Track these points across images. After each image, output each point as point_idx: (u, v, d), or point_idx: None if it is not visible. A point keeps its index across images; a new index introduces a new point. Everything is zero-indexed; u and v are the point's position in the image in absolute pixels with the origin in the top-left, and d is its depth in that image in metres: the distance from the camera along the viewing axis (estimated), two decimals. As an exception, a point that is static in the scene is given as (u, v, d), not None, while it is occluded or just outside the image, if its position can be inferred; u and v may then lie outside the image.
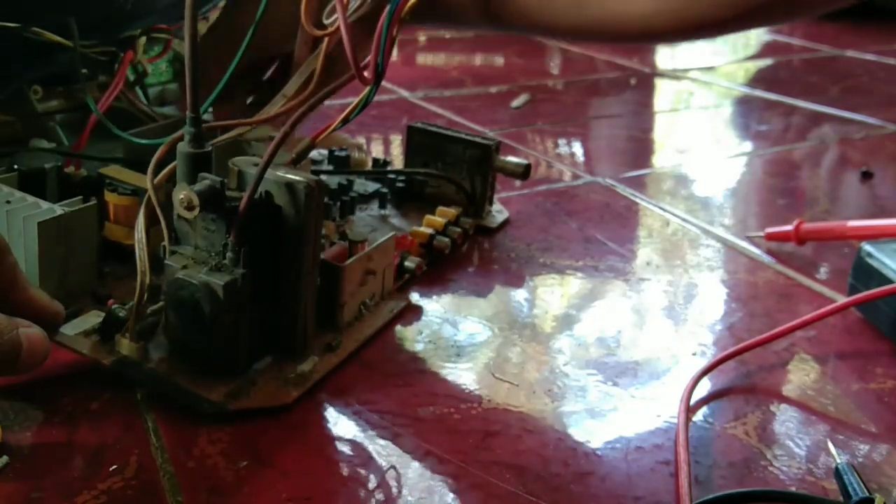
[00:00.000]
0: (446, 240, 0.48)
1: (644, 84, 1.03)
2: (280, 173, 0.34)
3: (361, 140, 0.59)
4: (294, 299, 0.36)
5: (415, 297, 0.45)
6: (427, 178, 0.53)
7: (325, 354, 0.38)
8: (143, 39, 0.50)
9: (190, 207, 0.32)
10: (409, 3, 0.36)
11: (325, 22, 0.40)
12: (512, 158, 0.53)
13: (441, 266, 0.48)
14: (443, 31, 1.18)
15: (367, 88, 0.35)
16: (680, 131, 0.84)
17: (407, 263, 0.45)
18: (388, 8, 0.35)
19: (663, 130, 0.85)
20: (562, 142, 0.75)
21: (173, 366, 0.35)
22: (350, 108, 0.36)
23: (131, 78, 0.52)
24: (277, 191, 0.34)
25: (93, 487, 0.30)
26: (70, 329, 0.36)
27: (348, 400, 0.36)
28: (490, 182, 0.53)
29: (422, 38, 1.18)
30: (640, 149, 0.77)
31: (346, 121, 0.36)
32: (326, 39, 0.39)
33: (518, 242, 0.52)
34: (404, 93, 0.88)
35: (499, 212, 0.55)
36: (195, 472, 0.31)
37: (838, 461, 0.32)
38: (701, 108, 0.93)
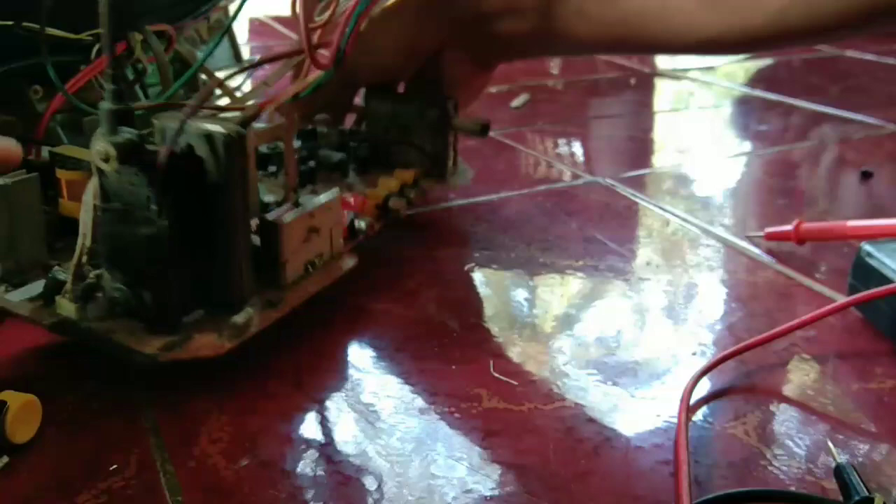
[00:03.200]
0: (402, 200, 0.48)
1: (644, 84, 1.03)
2: (201, 125, 0.34)
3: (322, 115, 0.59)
4: (226, 252, 0.36)
5: (414, 297, 0.45)
6: (388, 144, 0.53)
7: (264, 310, 0.38)
8: (139, 37, 0.50)
9: (106, 159, 0.33)
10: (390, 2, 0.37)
11: (316, 18, 0.41)
12: (469, 118, 0.54)
13: (440, 265, 0.48)
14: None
15: (323, 72, 0.36)
16: (680, 131, 0.84)
17: (358, 224, 0.45)
18: (360, 5, 0.36)
19: (663, 130, 0.85)
20: (562, 142, 0.75)
21: (111, 324, 0.35)
22: (303, 86, 0.37)
23: (130, 77, 0.52)
24: (198, 143, 0.34)
25: (93, 487, 0.30)
26: (15, 296, 0.37)
27: (348, 400, 0.36)
28: (451, 142, 0.54)
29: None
30: (640, 149, 0.77)
31: (295, 97, 0.37)
32: (319, 31, 0.40)
33: (518, 242, 0.52)
34: (404, 93, 0.88)
35: (464, 171, 0.56)
36: (195, 472, 0.31)
37: (838, 461, 0.32)
38: (701, 108, 0.93)
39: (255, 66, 0.39)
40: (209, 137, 0.34)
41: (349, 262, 0.43)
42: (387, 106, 0.54)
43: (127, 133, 0.33)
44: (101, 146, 0.33)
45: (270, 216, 0.39)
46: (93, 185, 0.35)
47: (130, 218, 0.34)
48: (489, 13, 0.46)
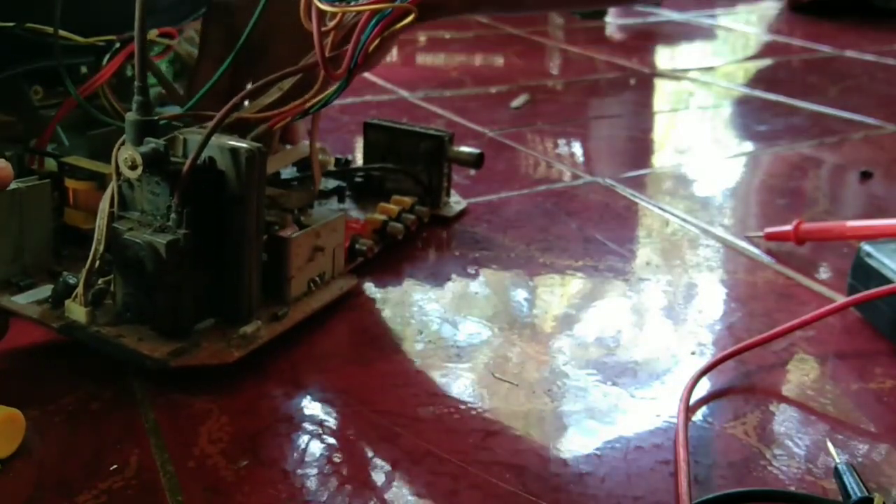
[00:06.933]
0: (399, 226, 0.49)
1: (644, 84, 1.03)
2: (224, 140, 0.35)
3: (320, 144, 0.59)
4: (238, 264, 0.37)
5: (414, 297, 0.45)
6: (384, 173, 0.54)
7: (270, 323, 0.38)
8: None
9: (133, 167, 0.34)
10: (399, 25, 0.37)
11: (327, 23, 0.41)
12: (465, 149, 0.54)
13: (440, 265, 0.48)
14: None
15: (335, 86, 0.36)
16: (680, 131, 0.84)
17: (358, 245, 0.45)
18: (374, 19, 0.36)
19: (663, 130, 0.85)
20: (562, 142, 0.75)
21: (120, 328, 0.36)
22: (313, 101, 0.37)
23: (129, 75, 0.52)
24: (220, 156, 0.35)
25: (93, 487, 0.30)
26: (23, 299, 0.37)
27: (348, 400, 0.36)
28: (446, 173, 0.54)
29: (422, 38, 1.18)
30: (639, 149, 0.77)
31: (305, 112, 0.38)
32: (332, 35, 0.40)
33: (518, 242, 0.52)
34: (404, 93, 0.88)
35: (456, 202, 0.56)
36: (195, 472, 0.31)
37: (837, 461, 0.32)
38: (701, 108, 0.93)
39: (269, 83, 0.39)
40: (233, 151, 0.35)
41: (349, 283, 0.44)
42: (385, 136, 0.55)
43: (152, 143, 0.34)
44: (128, 154, 0.34)
45: (279, 232, 0.40)
46: (110, 192, 0.36)
47: (148, 226, 0.35)
48: None
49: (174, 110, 0.58)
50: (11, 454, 0.31)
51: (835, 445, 0.34)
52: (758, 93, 0.97)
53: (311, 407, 0.35)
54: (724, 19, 1.47)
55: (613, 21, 1.41)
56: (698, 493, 0.31)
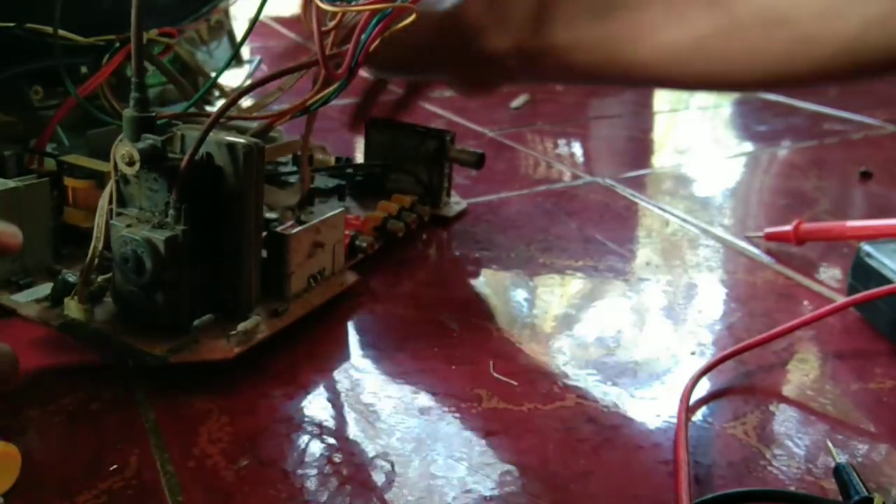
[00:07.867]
0: (400, 223, 0.49)
1: (644, 84, 1.03)
2: (221, 136, 0.35)
3: (320, 143, 0.60)
4: (237, 260, 0.37)
5: (414, 297, 0.45)
6: (386, 172, 0.54)
7: (270, 319, 0.38)
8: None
9: (131, 163, 0.34)
10: (401, 24, 0.37)
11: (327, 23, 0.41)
12: (466, 149, 0.54)
13: (440, 265, 0.48)
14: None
15: (336, 84, 0.37)
16: (680, 131, 0.84)
17: (358, 242, 0.45)
18: (375, 18, 0.36)
19: (663, 130, 0.85)
20: (562, 142, 0.75)
21: (119, 325, 0.36)
22: (314, 99, 0.37)
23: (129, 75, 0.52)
24: (218, 152, 0.35)
25: (93, 487, 0.30)
26: (22, 297, 0.37)
27: (348, 400, 0.36)
28: (447, 173, 0.55)
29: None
30: (639, 149, 0.77)
31: (306, 110, 0.38)
32: (333, 34, 0.40)
33: (518, 242, 0.52)
34: (404, 93, 0.88)
35: (457, 203, 0.57)
36: (195, 472, 0.31)
37: (837, 461, 0.32)
38: (701, 109, 0.93)
39: (267, 80, 0.39)
40: (231, 147, 0.35)
41: (349, 278, 0.44)
42: (386, 135, 0.55)
43: (150, 139, 0.34)
44: (125, 150, 0.34)
45: (279, 228, 0.40)
46: (109, 190, 0.36)
47: (147, 222, 0.35)
48: (473, 26, 0.44)
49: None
50: (8, 490, 0.29)
51: (835, 445, 0.34)
52: (758, 93, 0.97)
53: (311, 407, 0.35)
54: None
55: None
56: (698, 493, 0.31)
